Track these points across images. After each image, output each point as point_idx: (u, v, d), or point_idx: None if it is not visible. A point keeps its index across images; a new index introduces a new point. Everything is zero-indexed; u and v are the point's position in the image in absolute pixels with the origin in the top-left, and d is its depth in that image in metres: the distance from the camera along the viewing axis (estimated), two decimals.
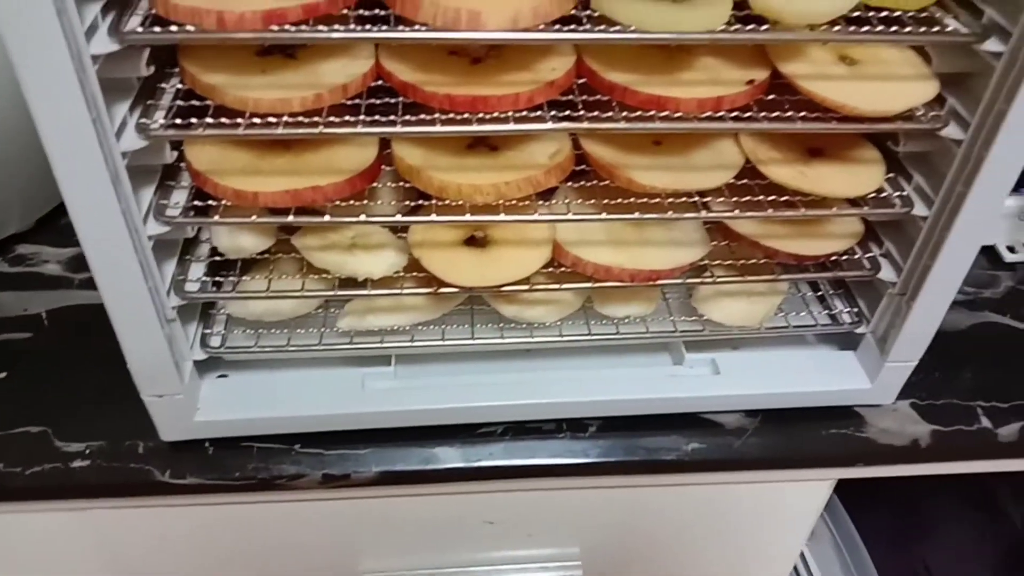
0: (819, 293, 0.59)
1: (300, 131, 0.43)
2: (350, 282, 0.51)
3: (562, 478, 0.56)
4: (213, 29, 0.39)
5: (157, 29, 0.39)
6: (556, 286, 0.52)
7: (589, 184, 0.51)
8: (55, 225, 0.69)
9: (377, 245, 0.50)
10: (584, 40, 0.43)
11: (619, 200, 0.50)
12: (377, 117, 0.46)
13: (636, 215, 0.49)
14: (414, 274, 0.52)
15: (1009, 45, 0.42)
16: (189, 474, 0.53)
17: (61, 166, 0.39)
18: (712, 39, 0.41)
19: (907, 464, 0.59)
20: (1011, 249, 0.73)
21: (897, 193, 0.50)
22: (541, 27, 0.41)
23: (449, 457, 0.54)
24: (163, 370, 0.49)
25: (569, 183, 0.52)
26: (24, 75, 0.36)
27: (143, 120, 0.42)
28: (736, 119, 0.46)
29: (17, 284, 0.65)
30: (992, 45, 0.43)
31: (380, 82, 0.45)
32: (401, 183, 0.50)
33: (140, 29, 0.39)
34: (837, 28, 0.43)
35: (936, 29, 0.44)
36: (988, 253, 0.73)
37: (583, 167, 0.51)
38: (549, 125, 0.45)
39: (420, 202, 0.51)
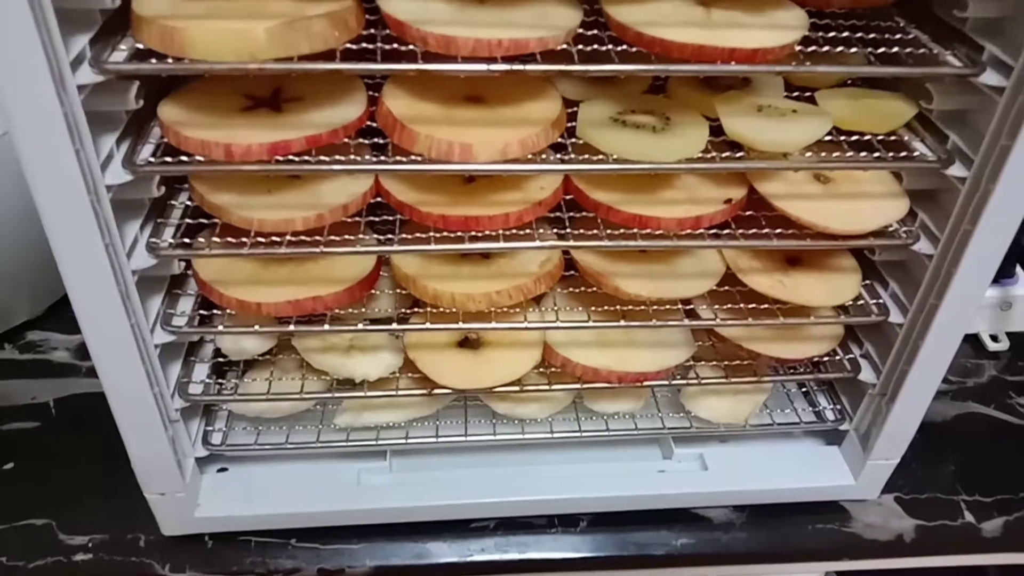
0: (804, 389, 0.61)
1: (302, 250, 0.45)
2: (348, 381, 0.53)
3: (554, 573, 0.57)
4: (221, 160, 0.41)
5: (168, 159, 0.42)
6: (547, 387, 0.54)
7: (577, 290, 0.53)
8: (65, 313, 0.71)
9: (374, 347, 0.52)
10: (569, 171, 0.46)
11: (605, 307, 0.52)
12: (376, 232, 0.48)
13: (622, 323, 0.51)
14: (409, 374, 0.54)
15: (972, 170, 0.44)
16: (189, 567, 0.54)
17: (73, 284, 0.42)
18: (688, 168, 0.44)
19: (892, 558, 0.60)
20: (994, 338, 0.75)
21: (874, 300, 0.52)
22: (529, 156, 0.44)
23: (442, 552, 0.56)
24: (166, 469, 0.50)
25: (558, 288, 0.54)
26: (43, 205, 0.39)
27: (153, 240, 0.45)
28: (715, 235, 0.48)
29: (26, 372, 0.67)
30: (957, 170, 0.45)
31: (379, 198, 0.48)
32: (398, 290, 0.52)
33: (153, 160, 0.42)
34: (809, 154, 0.46)
35: (904, 154, 0.47)
36: (972, 342, 0.75)
37: (572, 272, 0.53)
38: (537, 244, 0.47)
39: (415, 309, 0.53)
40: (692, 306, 0.54)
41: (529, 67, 0.40)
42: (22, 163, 0.38)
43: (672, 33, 0.41)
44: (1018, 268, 0.74)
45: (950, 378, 0.72)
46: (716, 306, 0.53)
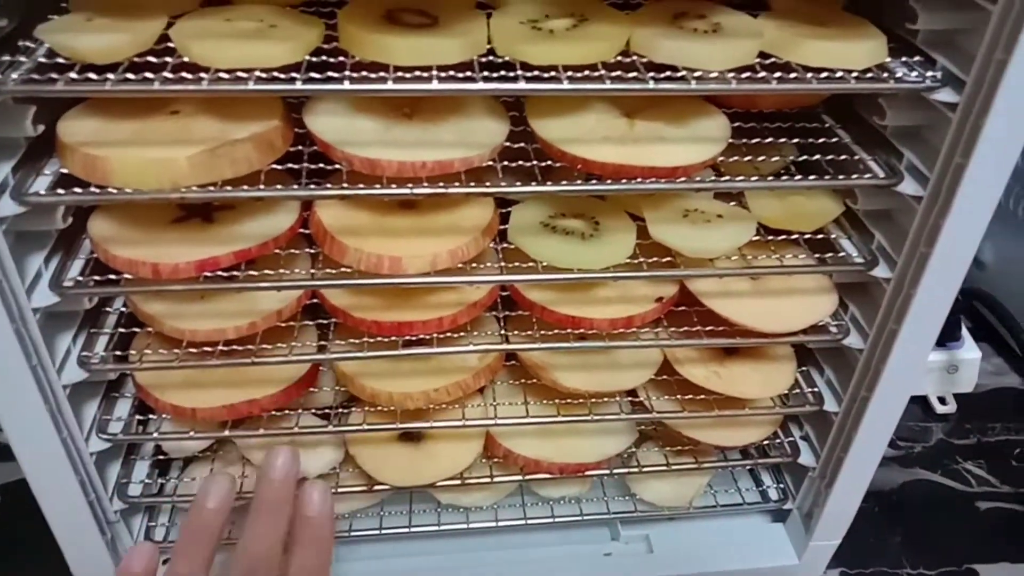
0: (748, 467, 0.61)
1: (234, 361, 0.45)
2: None
3: None
4: (148, 279, 0.41)
5: (97, 278, 0.42)
6: (488, 479, 0.54)
7: (517, 382, 0.53)
8: None
9: (315, 443, 0.53)
10: (497, 281, 0.46)
11: (546, 397, 0.52)
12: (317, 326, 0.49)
13: (560, 417, 0.51)
14: (350, 469, 0.54)
15: (896, 272, 0.45)
16: None
17: (1, 407, 0.42)
18: (614, 276, 0.45)
19: None
20: (942, 400, 0.76)
21: (810, 389, 0.53)
22: (459, 266, 0.44)
23: None
24: (105, 571, 0.50)
25: (499, 379, 0.54)
26: None
27: (85, 354, 0.45)
28: (647, 333, 0.49)
29: None
30: (881, 271, 0.46)
31: (315, 299, 0.48)
32: (336, 387, 0.52)
33: (81, 279, 0.42)
34: (735, 257, 0.47)
35: (830, 255, 0.47)
36: (921, 403, 0.76)
37: (512, 362, 0.54)
38: (471, 348, 0.48)
39: (355, 402, 0.53)
40: (631, 398, 0.55)
41: (451, 190, 0.40)
42: None
43: (593, 152, 0.41)
44: (964, 331, 0.76)
45: (898, 443, 0.73)
46: (655, 393, 0.53)
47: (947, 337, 0.75)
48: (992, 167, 0.39)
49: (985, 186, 0.40)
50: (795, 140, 0.46)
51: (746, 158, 0.47)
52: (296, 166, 0.42)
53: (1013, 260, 0.78)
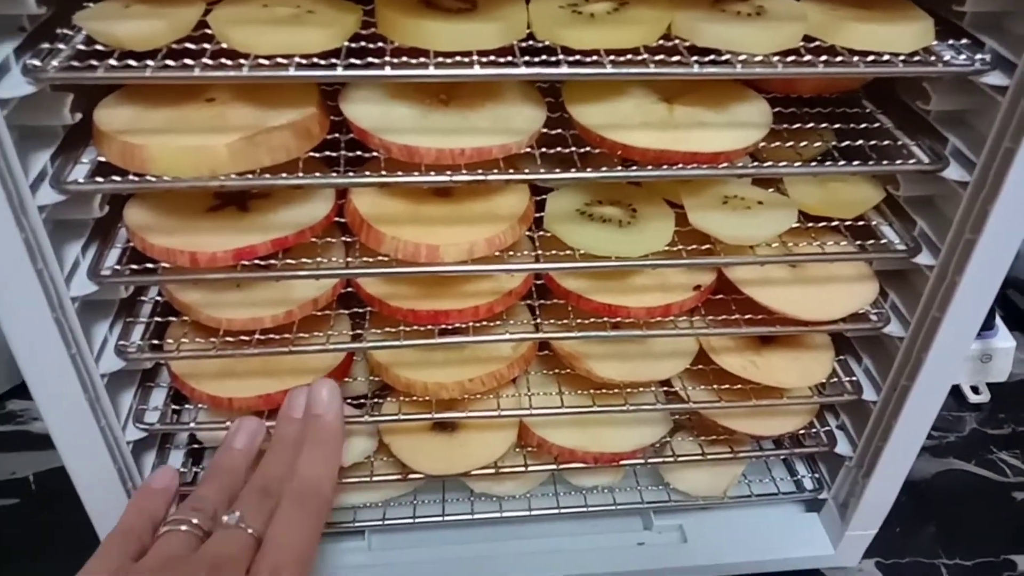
0: (783, 456, 0.61)
1: (271, 350, 0.45)
2: None
3: None
4: (187, 267, 0.41)
5: (135, 267, 0.42)
6: (523, 468, 0.54)
7: (551, 372, 0.53)
8: None
9: (349, 432, 0.52)
10: (536, 269, 0.46)
11: (580, 387, 0.52)
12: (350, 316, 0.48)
13: (595, 407, 0.51)
14: (384, 458, 0.53)
15: (939, 259, 0.44)
16: None
17: (39, 394, 0.42)
18: (652, 264, 0.44)
19: None
20: (975, 390, 0.75)
21: (848, 378, 0.52)
22: (496, 254, 0.44)
23: None
24: None
25: (532, 369, 0.54)
26: (7, 325, 0.39)
27: (122, 343, 0.45)
28: (686, 320, 0.49)
29: (6, 444, 0.67)
30: (924, 259, 0.45)
31: (350, 288, 0.48)
32: (371, 376, 0.52)
33: (119, 267, 0.42)
34: (775, 244, 0.46)
35: (871, 242, 0.47)
36: (954, 393, 0.75)
37: (546, 352, 0.53)
38: (507, 337, 0.47)
39: (389, 392, 0.53)
40: (667, 382, 0.54)
41: (491, 177, 0.40)
42: None
43: (633, 138, 0.41)
44: (998, 320, 0.75)
45: (932, 432, 0.71)
46: (690, 382, 0.53)
47: (981, 326, 0.73)
48: None
49: None
50: (835, 125, 0.45)
51: (787, 144, 0.46)
52: (334, 154, 0.42)
53: None
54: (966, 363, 0.74)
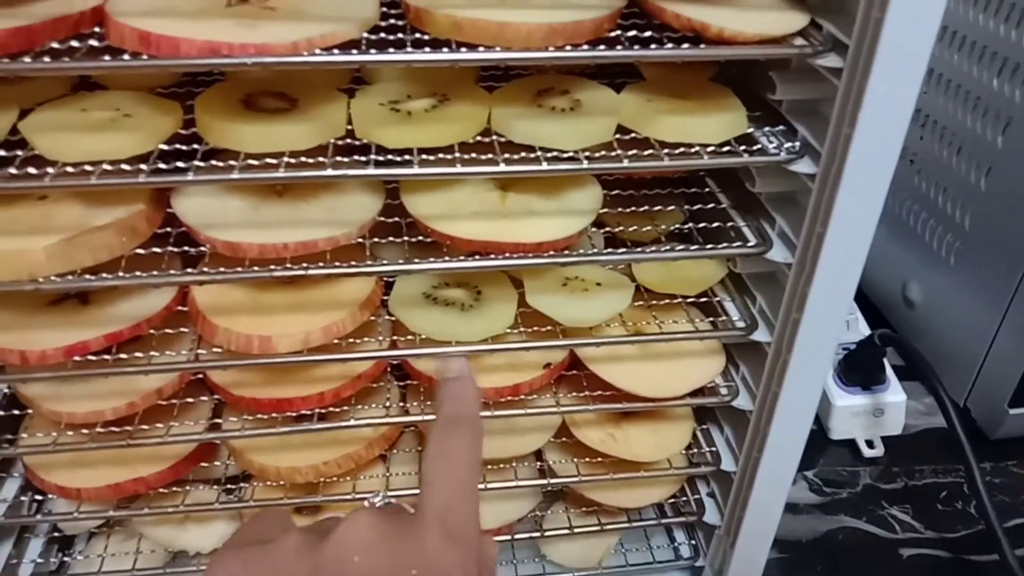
0: (652, 526, 0.61)
1: (110, 443, 0.45)
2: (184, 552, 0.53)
3: None
4: (17, 366, 0.41)
5: None
6: None
7: (417, 449, 0.53)
8: None
9: (208, 518, 0.52)
10: (368, 358, 0.46)
11: None
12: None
13: None
14: None
15: (774, 336, 0.45)
16: None
17: None
18: (492, 349, 0.45)
19: None
20: (870, 444, 0.76)
21: (708, 448, 0.53)
22: (335, 342, 0.44)
23: None
24: None
25: (395, 449, 0.54)
26: None
27: None
28: (538, 399, 0.49)
29: None
30: (761, 335, 0.46)
31: (199, 375, 0.48)
32: (228, 460, 0.52)
33: None
34: (616, 324, 0.47)
35: (712, 319, 0.48)
36: (850, 448, 0.76)
37: (413, 427, 0.53)
38: (352, 423, 0.47)
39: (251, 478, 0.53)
40: (539, 453, 0.54)
41: (312, 271, 0.40)
42: None
43: (460, 229, 0.42)
44: (889, 373, 0.76)
45: (824, 489, 0.72)
46: (558, 455, 0.53)
47: (871, 381, 0.75)
48: (849, 236, 0.40)
49: (844, 256, 0.40)
50: (670, 208, 0.47)
51: (641, 209, 0.47)
52: (160, 250, 0.42)
53: (941, 299, 0.78)
54: (859, 418, 0.75)
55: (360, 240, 0.43)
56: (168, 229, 0.42)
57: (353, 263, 0.41)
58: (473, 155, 0.39)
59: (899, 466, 0.75)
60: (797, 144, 0.41)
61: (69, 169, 0.36)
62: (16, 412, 0.47)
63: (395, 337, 0.47)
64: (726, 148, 0.40)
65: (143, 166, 0.37)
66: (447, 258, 0.42)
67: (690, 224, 0.47)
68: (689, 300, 0.49)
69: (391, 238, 0.43)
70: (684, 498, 0.56)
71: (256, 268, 0.40)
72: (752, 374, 0.49)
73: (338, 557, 0.27)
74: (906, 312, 0.83)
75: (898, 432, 0.77)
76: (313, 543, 0.28)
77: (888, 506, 0.71)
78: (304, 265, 0.40)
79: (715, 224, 0.47)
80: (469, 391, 0.36)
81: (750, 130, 0.42)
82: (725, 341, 0.49)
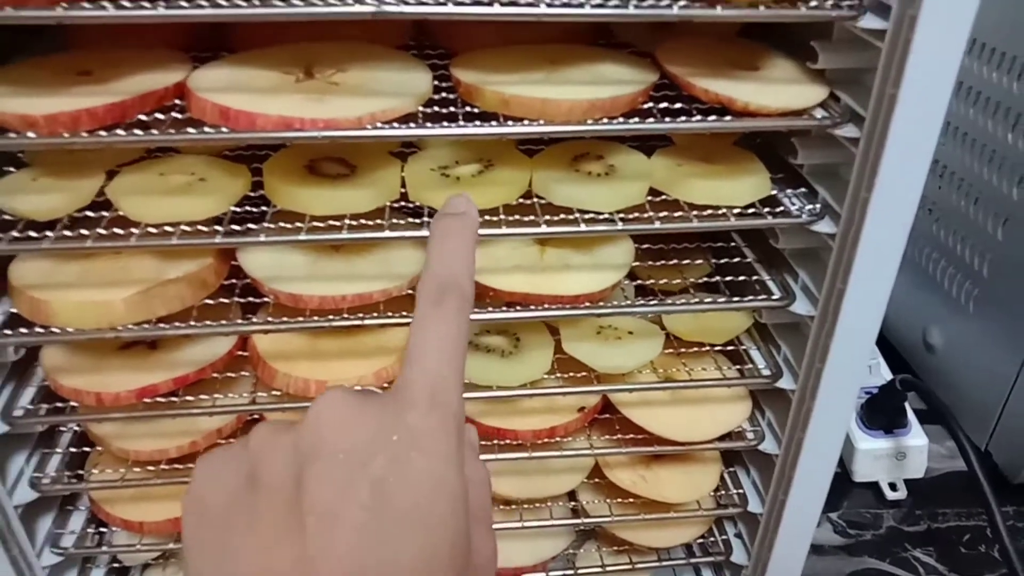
0: (682, 566, 0.63)
1: (175, 479, 0.48)
2: None
3: None
4: (93, 407, 0.45)
5: (46, 406, 0.46)
6: None
7: None
8: None
9: None
10: None
11: None
12: None
13: (495, 524, 0.53)
14: None
15: (798, 385, 0.48)
16: None
17: None
18: (529, 394, 0.47)
19: None
20: (892, 487, 0.77)
21: (736, 491, 0.55)
22: (384, 385, 0.47)
23: None
24: None
25: None
26: None
27: (36, 474, 0.48)
28: (573, 441, 0.52)
29: None
30: (786, 383, 0.49)
31: (255, 416, 0.51)
32: None
33: (30, 407, 0.46)
34: (648, 370, 0.50)
35: (739, 367, 0.50)
36: (873, 490, 0.78)
37: None
38: None
39: None
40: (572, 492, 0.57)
41: (368, 322, 0.44)
42: None
43: (501, 281, 0.45)
44: (911, 417, 0.77)
45: (848, 531, 0.74)
46: (591, 495, 0.56)
47: (893, 424, 0.76)
48: (868, 292, 0.42)
49: (864, 309, 0.43)
50: (698, 261, 0.50)
51: (661, 280, 0.50)
52: (227, 300, 0.45)
53: (961, 344, 0.80)
54: (881, 460, 0.77)
55: (410, 291, 0.46)
56: (233, 280, 0.46)
57: (404, 313, 0.44)
58: (516, 216, 0.42)
59: (922, 509, 0.77)
60: (818, 206, 0.43)
61: (152, 230, 0.40)
62: (86, 449, 0.50)
63: None
64: (751, 210, 0.43)
65: (218, 227, 0.40)
66: (490, 308, 0.45)
67: (717, 277, 0.50)
68: (716, 348, 0.52)
69: None
70: (712, 538, 0.59)
71: (316, 318, 0.44)
72: (777, 419, 0.52)
73: (315, 433, 0.25)
74: (927, 356, 0.85)
75: (920, 475, 0.78)
76: (287, 425, 0.26)
77: (911, 548, 0.73)
78: (360, 316, 0.44)
79: (741, 277, 0.50)
80: (467, 239, 0.31)
81: (773, 192, 0.45)
82: (751, 388, 0.52)
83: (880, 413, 0.76)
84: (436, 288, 0.29)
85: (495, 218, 0.42)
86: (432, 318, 0.28)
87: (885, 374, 0.81)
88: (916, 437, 0.76)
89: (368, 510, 0.23)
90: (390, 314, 0.45)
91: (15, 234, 0.39)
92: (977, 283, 0.75)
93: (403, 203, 0.43)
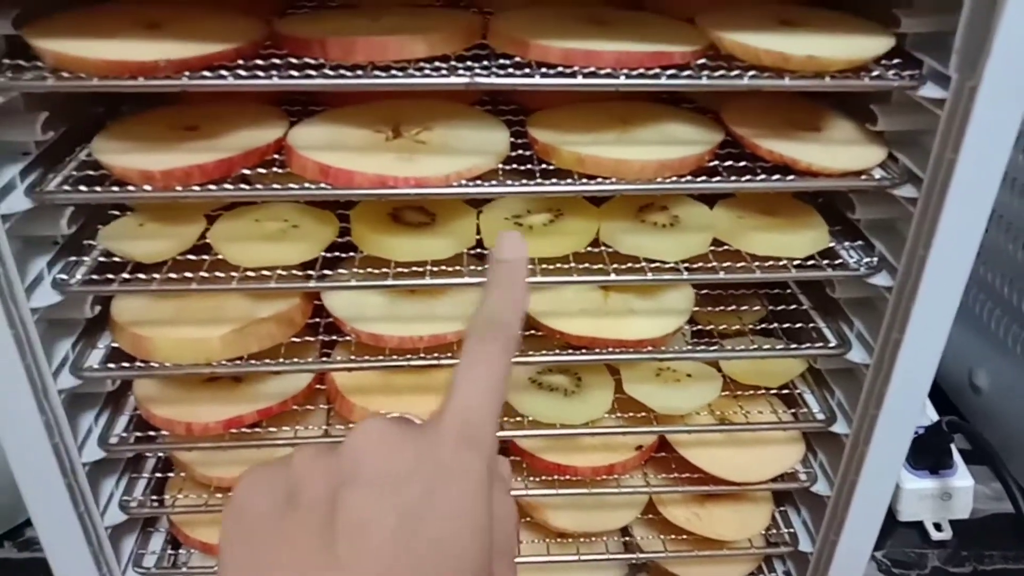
0: None
1: None
2: None
3: None
4: (183, 436, 0.48)
5: (139, 434, 0.49)
6: None
7: None
8: None
9: None
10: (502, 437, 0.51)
11: (533, 538, 0.57)
12: None
13: (551, 556, 0.56)
14: None
15: (852, 429, 0.50)
16: None
17: (48, 545, 0.48)
18: (591, 432, 0.50)
19: None
20: (938, 527, 0.78)
21: (787, 529, 0.57)
22: None
23: None
24: None
25: None
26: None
27: (125, 497, 0.51)
28: (630, 478, 0.54)
29: (23, 571, 0.73)
30: (840, 428, 0.50)
31: None
32: None
33: (124, 435, 0.49)
34: (704, 412, 0.52)
35: (792, 411, 0.52)
36: (918, 530, 0.78)
37: None
38: None
39: None
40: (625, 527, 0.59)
41: (444, 362, 0.46)
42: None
43: (569, 325, 0.47)
44: (957, 458, 0.78)
45: (892, 569, 0.75)
46: (644, 530, 0.57)
47: (939, 465, 0.77)
48: (924, 344, 0.44)
49: (919, 360, 0.45)
50: (756, 308, 0.52)
51: (730, 308, 0.52)
52: (310, 338, 0.48)
53: (1008, 386, 0.80)
54: (926, 501, 0.78)
55: None
56: (316, 319, 0.49)
57: None
58: (586, 265, 0.45)
59: (968, 550, 0.77)
60: (875, 260, 0.45)
61: (249, 273, 0.43)
62: (168, 474, 0.53)
63: (502, 420, 0.52)
64: (810, 261, 0.45)
65: (311, 271, 0.43)
66: (557, 351, 0.48)
67: (775, 324, 0.52)
68: (772, 392, 0.53)
69: None
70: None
71: (395, 357, 0.46)
72: (830, 462, 0.53)
73: (353, 459, 0.26)
74: (973, 398, 0.85)
75: (966, 516, 0.78)
76: (329, 449, 0.28)
77: None
78: (436, 355, 0.46)
79: (797, 324, 0.52)
80: (517, 283, 0.32)
81: (831, 244, 0.47)
82: (812, 429, 0.53)
83: (926, 453, 0.77)
84: (485, 327, 0.30)
85: (565, 266, 0.45)
86: (478, 354, 0.29)
87: (931, 414, 0.82)
88: (962, 478, 0.77)
89: (395, 536, 0.24)
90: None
91: (125, 276, 0.42)
92: None
93: (479, 249, 0.46)
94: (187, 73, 0.36)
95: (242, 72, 0.37)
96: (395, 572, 0.24)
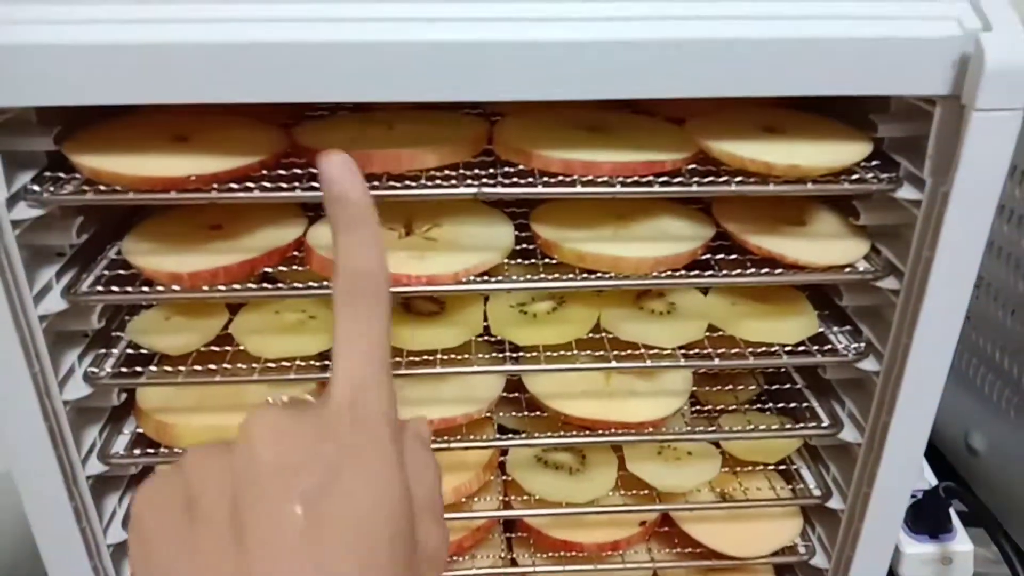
0: None
1: None
2: None
3: None
4: None
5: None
6: None
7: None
8: None
9: None
10: (492, 517, 0.53)
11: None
12: None
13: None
14: None
15: (847, 504, 0.51)
16: None
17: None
18: (595, 511, 0.52)
19: None
20: None
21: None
22: (463, 500, 0.52)
23: None
24: None
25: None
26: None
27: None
28: (640, 551, 0.55)
29: None
30: (835, 503, 0.52)
31: None
32: None
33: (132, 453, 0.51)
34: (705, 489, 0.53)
35: (790, 487, 0.54)
36: None
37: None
38: (473, 572, 0.54)
39: None
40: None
41: (453, 445, 0.48)
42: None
43: (573, 407, 0.49)
44: (956, 522, 0.79)
45: None
46: None
47: (939, 528, 0.78)
48: (911, 424, 0.46)
49: (908, 439, 0.47)
50: (751, 386, 0.54)
51: (718, 407, 0.54)
52: None
53: (1004, 449, 0.82)
54: (927, 566, 0.78)
55: (488, 414, 0.51)
56: None
57: (485, 436, 0.49)
58: (588, 352, 0.47)
59: None
60: (862, 346, 0.48)
61: (270, 364, 0.45)
62: None
63: (510, 497, 0.54)
64: (801, 347, 0.48)
65: (328, 361, 0.46)
66: (561, 432, 0.50)
67: (769, 403, 0.54)
68: (769, 467, 0.55)
69: (512, 412, 0.51)
70: None
71: None
72: (828, 535, 0.55)
73: (248, 455, 0.25)
74: (970, 459, 0.87)
75: None
76: (221, 447, 0.26)
77: None
78: (445, 438, 0.49)
79: (792, 404, 0.54)
80: (367, 221, 0.30)
81: (820, 329, 0.49)
82: (809, 503, 0.55)
83: (925, 519, 0.78)
84: (348, 286, 0.28)
85: (568, 353, 0.47)
86: (351, 318, 0.28)
87: (929, 478, 0.83)
88: (961, 543, 0.78)
89: (302, 528, 0.23)
90: (472, 437, 0.49)
91: (152, 368, 0.45)
92: (1016, 391, 0.78)
93: (486, 337, 0.48)
94: (215, 185, 0.39)
95: (267, 184, 0.40)
96: (314, 559, 0.23)
